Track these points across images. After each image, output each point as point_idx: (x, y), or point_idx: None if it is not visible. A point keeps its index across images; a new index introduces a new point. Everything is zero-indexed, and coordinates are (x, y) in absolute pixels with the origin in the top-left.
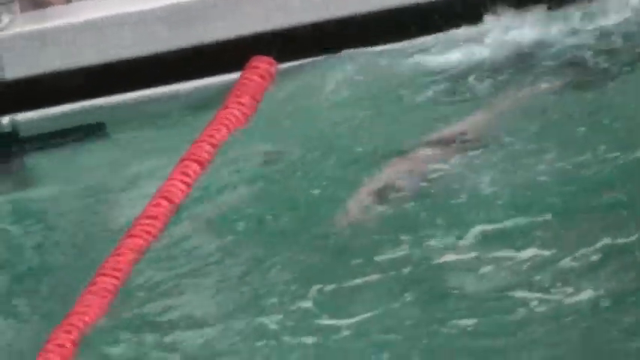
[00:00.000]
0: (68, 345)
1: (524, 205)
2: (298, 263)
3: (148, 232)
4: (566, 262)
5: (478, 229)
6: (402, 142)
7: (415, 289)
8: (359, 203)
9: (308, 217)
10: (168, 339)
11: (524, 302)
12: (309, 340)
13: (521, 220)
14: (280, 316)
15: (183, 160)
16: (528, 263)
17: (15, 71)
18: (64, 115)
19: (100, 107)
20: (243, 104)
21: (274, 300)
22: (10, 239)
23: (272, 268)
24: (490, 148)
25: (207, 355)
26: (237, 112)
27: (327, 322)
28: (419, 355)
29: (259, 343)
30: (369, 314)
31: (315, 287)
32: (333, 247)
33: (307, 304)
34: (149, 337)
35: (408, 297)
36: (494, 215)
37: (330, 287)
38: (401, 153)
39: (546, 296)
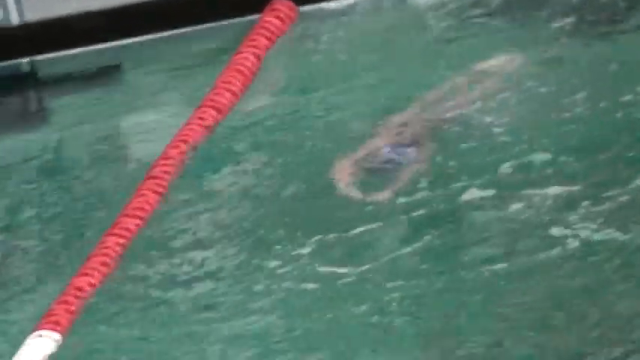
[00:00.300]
0: (87, 288)
1: (546, 145)
2: (303, 210)
3: (167, 173)
4: (594, 201)
5: (497, 170)
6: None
7: (433, 230)
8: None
9: (315, 165)
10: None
11: (553, 240)
12: (314, 285)
13: (544, 159)
14: (280, 262)
15: (201, 106)
16: (554, 200)
17: (34, 13)
18: (82, 56)
19: (118, 49)
20: (260, 48)
21: (277, 246)
22: (26, 181)
23: (275, 214)
24: (505, 93)
25: (211, 297)
26: (252, 57)
27: (338, 267)
28: (442, 297)
29: (260, 287)
30: (384, 259)
31: (319, 235)
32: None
33: (313, 249)
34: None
35: (427, 238)
36: (513, 155)
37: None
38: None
39: (575, 233)
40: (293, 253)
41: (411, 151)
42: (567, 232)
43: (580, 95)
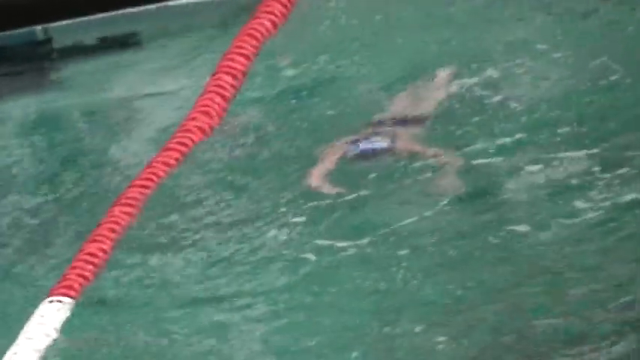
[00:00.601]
0: (100, 254)
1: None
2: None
3: (182, 145)
4: (610, 165)
5: (508, 138)
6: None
7: (454, 195)
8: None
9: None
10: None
11: (573, 206)
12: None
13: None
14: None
15: (217, 72)
16: (568, 166)
17: None
18: (98, 24)
19: (135, 16)
20: (274, 14)
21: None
22: (43, 148)
23: (277, 181)
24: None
25: (220, 252)
26: (267, 23)
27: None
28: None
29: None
30: (406, 221)
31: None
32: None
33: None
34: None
35: (448, 203)
36: (525, 124)
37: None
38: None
39: (595, 198)
40: None
41: (384, 141)
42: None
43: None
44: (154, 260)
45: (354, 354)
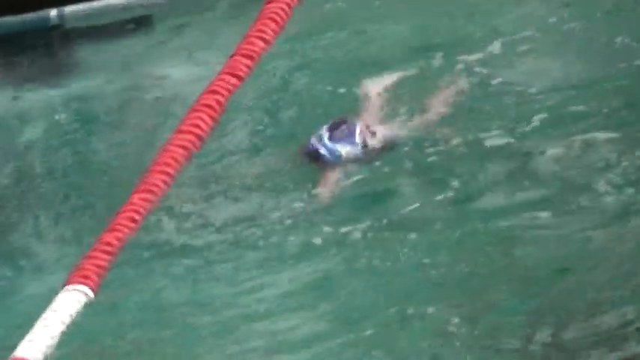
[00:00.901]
0: (115, 243)
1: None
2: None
3: (196, 127)
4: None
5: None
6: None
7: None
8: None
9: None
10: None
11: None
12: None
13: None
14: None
15: (232, 55)
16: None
17: None
18: (111, 7)
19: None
20: None
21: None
22: (58, 132)
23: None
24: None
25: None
26: (284, 5)
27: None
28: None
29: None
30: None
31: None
32: None
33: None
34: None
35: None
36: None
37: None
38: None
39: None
40: None
41: (349, 149)
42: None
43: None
44: None
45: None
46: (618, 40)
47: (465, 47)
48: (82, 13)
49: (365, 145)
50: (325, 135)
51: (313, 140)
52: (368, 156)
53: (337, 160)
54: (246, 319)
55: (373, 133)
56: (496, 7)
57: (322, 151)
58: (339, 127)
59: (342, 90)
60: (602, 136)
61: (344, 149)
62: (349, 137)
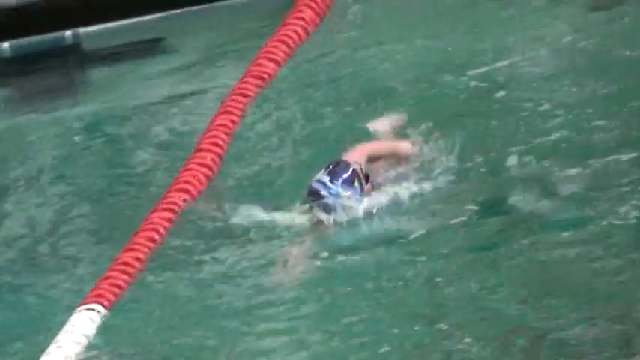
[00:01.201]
0: (136, 264)
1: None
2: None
3: (215, 145)
4: None
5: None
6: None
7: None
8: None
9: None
10: None
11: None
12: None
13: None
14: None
15: (244, 76)
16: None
17: None
18: (125, 29)
19: (161, 21)
20: (306, 20)
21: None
22: (73, 151)
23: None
24: None
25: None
26: (299, 29)
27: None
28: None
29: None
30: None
31: None
32: None
33: None
34: None
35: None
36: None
37: None
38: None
39: None
40: None
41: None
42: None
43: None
44: None
45: None
46: (633, 56)
47: (475, 67)
48: (96, 34)
49: (362, 188)
50: (326, 179)
51: (315, 184)
52: (366, 195)
53: (338, 203)
54: (256, 340)
55: (366, 177)
56: (506, 27)
57: (324, 193)
58: (338, 169)
59: (347, 121)
60: (621, 155)
61: (345, 193)
62: (348, 180)
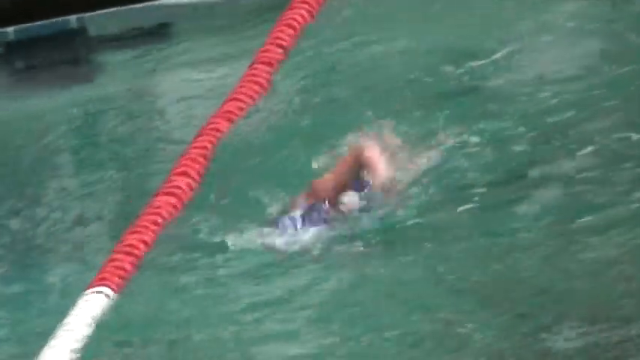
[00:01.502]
0: (141, 246)
1: None
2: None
3: (217, 130)
4: None
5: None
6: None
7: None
8: None
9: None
10: None
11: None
12: None
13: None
14: None
15: (252, 63)
16: None
17: None
18: (133, 14)
19: (170, 7)
20: (310, 4)
21: None
22: (78, 135)
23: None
24: None
25: None
26: (303, 12)
27: None
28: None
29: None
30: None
31: None
32: None
33: None
34: None
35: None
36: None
37: None
38: None
39: None
40: None
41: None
42: None
43: None
44: None
45: None
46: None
47: (481, 54)
48: (102, 19)
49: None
50: (298, 222)
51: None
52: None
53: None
54: (260, 326)
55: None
56: (514, 12)
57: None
58: (311, 213)
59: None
60: (632, 136)
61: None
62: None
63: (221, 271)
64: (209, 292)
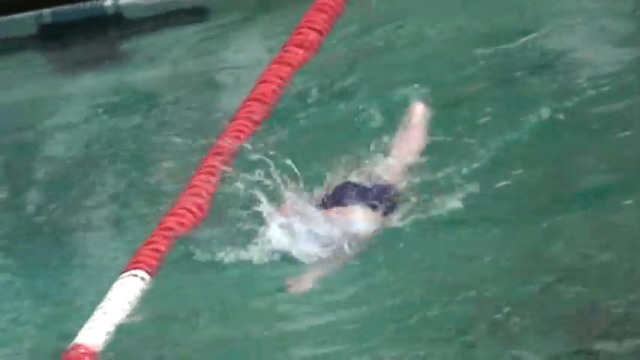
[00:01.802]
0: (175, 227)
1: None
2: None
3: (252, 113)
4: None
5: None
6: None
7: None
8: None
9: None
10: None
11: None
12: None
13: None
14: None
15: (284, 45)
16: None
17: None
18: None
19: None
20: None
21: None
22: (113, 122)
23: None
24: None
25: None
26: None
27: None
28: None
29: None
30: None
31: None
32: None
33: None
34: None
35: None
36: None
37: None
38: None
39: None
40: None
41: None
42: None
43: None
44: None
45: None
46: None
47: (509, 39)
48: (137, 3)
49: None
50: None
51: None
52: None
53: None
54: (260, 326)
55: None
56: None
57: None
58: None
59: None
60: None
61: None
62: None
63: (233, 271)
64: (219, 288)
